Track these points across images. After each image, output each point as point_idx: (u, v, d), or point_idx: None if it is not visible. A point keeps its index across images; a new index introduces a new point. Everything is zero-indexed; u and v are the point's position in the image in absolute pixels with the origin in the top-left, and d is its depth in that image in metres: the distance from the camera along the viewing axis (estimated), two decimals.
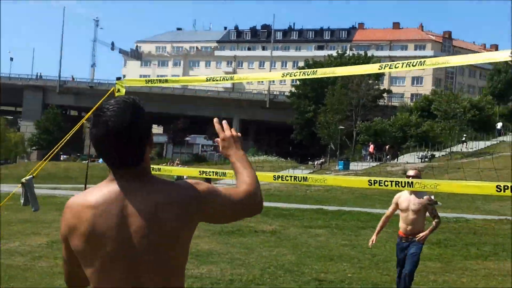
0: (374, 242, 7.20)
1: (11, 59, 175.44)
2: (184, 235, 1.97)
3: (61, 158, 66.29)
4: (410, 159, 47.36)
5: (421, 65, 4.60)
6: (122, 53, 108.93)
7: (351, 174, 36.71)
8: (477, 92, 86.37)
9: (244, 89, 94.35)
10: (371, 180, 4.60)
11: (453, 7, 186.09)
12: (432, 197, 22.72)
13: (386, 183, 4.51)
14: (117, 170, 1.98)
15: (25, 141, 72.90)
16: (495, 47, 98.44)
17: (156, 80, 6.64)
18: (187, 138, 75.07)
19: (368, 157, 51.93)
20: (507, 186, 3.79)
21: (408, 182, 4.48)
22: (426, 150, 49.47)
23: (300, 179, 5.23)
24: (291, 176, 5.27)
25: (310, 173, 42.34)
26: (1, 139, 65.95)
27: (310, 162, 53.87)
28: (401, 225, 6.96)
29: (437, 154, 49.18)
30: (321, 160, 51.19)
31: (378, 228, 7.31)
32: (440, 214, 20.10)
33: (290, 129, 70.38)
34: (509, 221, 17.49)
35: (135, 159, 1.97)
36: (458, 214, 19.56)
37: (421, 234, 6.81)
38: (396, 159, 49.46)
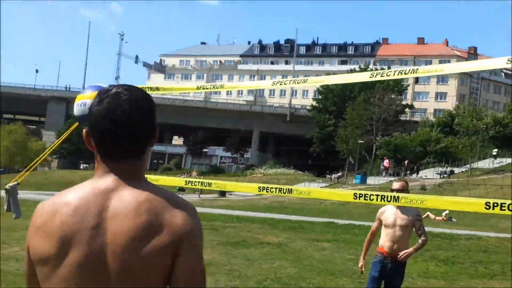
0: (364, 268, 6.45)
1: (37, 71, 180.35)
2: (161, 264, 1.60)
3: (81, 167, 66.90)
4: (429, 174, 46.85)
5: (413, 73, 4.46)
6: (146, 66, 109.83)
7: (368, 189, 36.37)
8: (501, 108, 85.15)
9: (266, 102, 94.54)
10: (356, 194, 4.46)
11: (479, 22, 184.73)
12: (446, 212, 21.95)
13: (371, 197, 4.35)
14: (110, 163, 1.67)
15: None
16: None
17: (147, 88, 6.58)
18: (205, 150, 75.34)
19: (384, 172, 51.40)
20: (496, 204, 3.61)
21: (394, 197, 4.25)
22: (446, 166, 48.93)
23: (284, 191, 5.09)
24: (275, 188, 5.13)
25: (326, 186, 42.07)
26: (23, 147, 66.85)
27: (328, 176, 53.55)
28: (385, 243, 6.23)
29: (456, 170, 48.68)
30: (338, 174, 50.86)
31: (364, 249, 6.56)
32: (452, 231, 19.54)
33: (309, 142, 69.93)
34: None
35: (138, 150, 1.69)
36: (471, 231, 19.01)
37: (407, 251, 6.13)
38: (416, 174, 48.90)
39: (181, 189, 33.46)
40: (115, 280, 1.57)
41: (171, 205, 1.64)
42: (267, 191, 5.14)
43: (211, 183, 5.90)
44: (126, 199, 1.62)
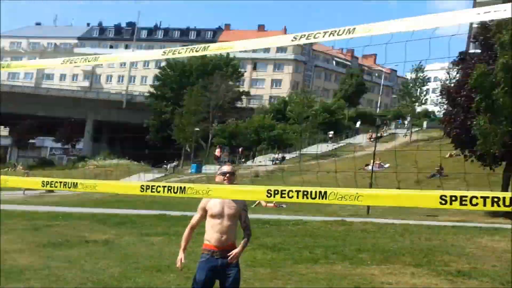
0: (183, 261, 5.67)
1: None
2: None
3: None
4: (263, 162, 47.99)
5: (204, 50, 4.58)
6: None
7: (203, 177, 36.70)
8: (331, 95, 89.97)
9: (102, 88, 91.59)
10: (143, 186, 4.30)
11: (315, 12, 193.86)
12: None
13: (158, 189, 4.24)
14: None
15: None
16: (351, 52, 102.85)
17: None
18: (33, 141, 71.33)
19: (218, 161, 51.36)
20: (277, 191, 3.63)
21: (180, 188, 4.07)
22: (278, 152, 50.63)
23: (69, 185, 4.74)
24: (60, 182, 4.77)
25: (162, 176, 41.60)
26: None
27: (164, 166, 52.89)
28: (212, 235, 5.52)
29: (288, 156, 50.67)
30: (174, 163, 50.58)
31: (184, 243, 5.75)
32: (281, 217, 20.03)
33: (147, 130, 68.63)
34: (345, 222, 17.88)
35: None
36: (299, 216, 19.59)
37: (234, 252, 5.51)
38: (252, 161, 50.01)
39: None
40: None
41: None
42: (51, 186, 4.88)
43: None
44: None
